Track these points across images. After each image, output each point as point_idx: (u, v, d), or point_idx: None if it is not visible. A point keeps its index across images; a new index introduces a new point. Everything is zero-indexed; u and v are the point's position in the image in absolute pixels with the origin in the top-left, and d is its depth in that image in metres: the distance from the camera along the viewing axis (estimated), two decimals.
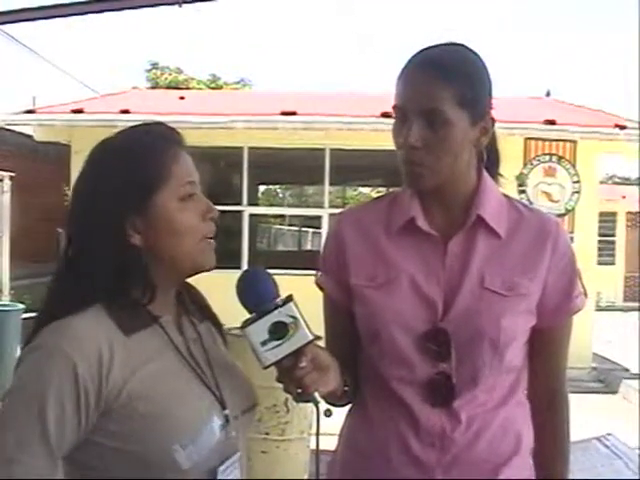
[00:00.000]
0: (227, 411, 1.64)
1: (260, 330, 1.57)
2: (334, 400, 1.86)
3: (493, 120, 1.88)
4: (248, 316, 1.60)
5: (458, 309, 1.83)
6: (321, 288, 2.04)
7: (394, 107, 1.85)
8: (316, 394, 1.62)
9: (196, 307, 1.81)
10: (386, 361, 1.88)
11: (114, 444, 1.53)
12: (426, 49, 1.86)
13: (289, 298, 1.60)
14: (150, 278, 1.62)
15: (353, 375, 1.91)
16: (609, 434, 6.83)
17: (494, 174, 1.99)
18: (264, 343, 1.56)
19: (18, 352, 8.87)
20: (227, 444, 1.63)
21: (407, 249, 1.89)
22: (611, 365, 11.83)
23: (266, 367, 1.58)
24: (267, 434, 5.34)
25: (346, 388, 1.86)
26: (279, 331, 1.56)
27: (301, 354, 1.58)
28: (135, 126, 1.72)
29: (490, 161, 1.96)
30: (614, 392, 10.66)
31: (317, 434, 1.65)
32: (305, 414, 5.49)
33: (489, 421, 1.86)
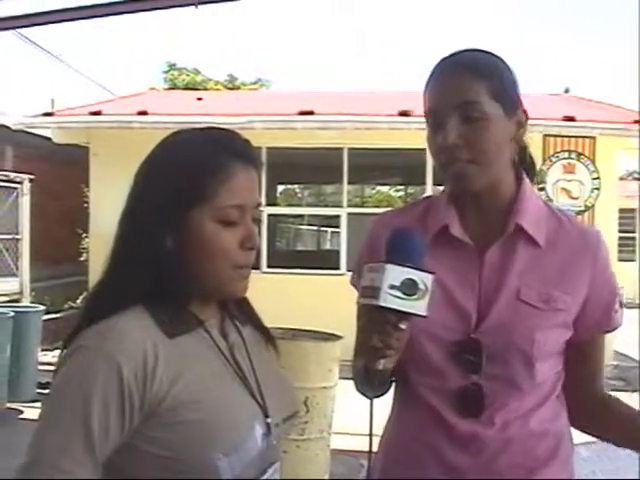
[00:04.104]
0: (269, 419, 1.61)
1: (397, 275, 1.58)
2: (376, 384, 1.82)
3: (526, 115, 1.87)
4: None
5: (492, 321, 1.81)
6: (357, 289, 2.02)
7: (427, 113, 1.84)
8: (381, 362, 1.62)
9: (239, 310, 1.77)
10: (417, 369, 1.87)
11: (154, 450, 1.48)
12: (449, 56, 1.87)
13: (433, 272, 1.61)
14: (183, 283, 1.58)
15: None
16: None
17: (530, 180, 1.96)
18: (392, 287, 1.57)
19: (38, 353, 8.93)
20: (268, 453, 1.60)
21: (442, 257, 1.85)
22: (632, 363, 11.76)
23: (379, 306, 1.58)
24: (287, 433, 5.33)
25: (392, 379, 1.86)
26: (409, 288, 1.57)
27: (407, 319, 1.60)
28: (203, 129, 1.67)
29: (525, 167, 1.94)
30: (635, 390, 10.60)
31: (370, 425, 1.65)
32: (325, 414, 5.48)
33: (523, 426, 1.83)
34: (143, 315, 1.54)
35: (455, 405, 1.82)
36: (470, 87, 1.78)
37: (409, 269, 1.58)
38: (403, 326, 1.59)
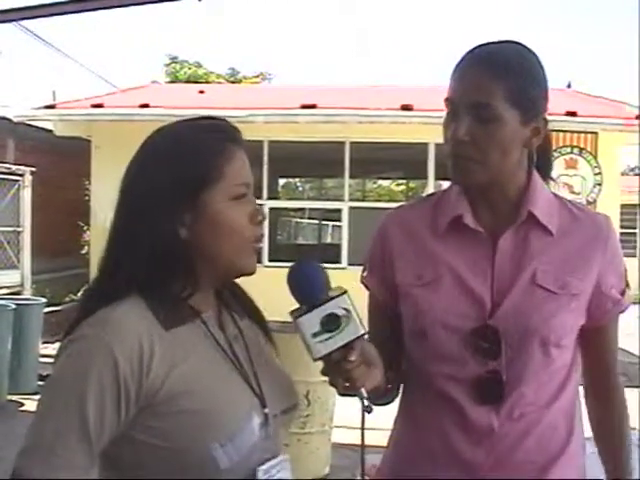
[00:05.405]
0: (267, 410, 1.62)
1: (313, 321, 1.54)
2: (377, 397, 1.82)
3: (546, 121, 1.86)
4: (296, 307, 1.59)
5: (508, 306, 1.81)
6: (367, 287, 2.02)
7: (446, 100, 1.84)
8: (363, 389, 1.61)
9: (237, 302, 1.78)
10: (433, 360, 1.87)
11: (151, 440, 1.50)
12: (480, 45, 1.86)
13: (342, 290, 1.58)
14: (194, 272, 1.60)
15: (396, 373, 1.89)
16: (633, 428, 6.78)
17: (545, 178, 1.97)
18: (316, 334, 1.54)
19: (39, 346, 8.93)
20: (267, 444, 1.60)
21: (454, 247, 1.87)
22: (634, 359, 11.73)
23: (317, 359, 1.57)
24: (287, 425, 5.33)
25: (389, 385, 1.85)
26: (332, 323, 1.54)
27: (351, 347, 1.57)
28: (195, 118, 1.70)
29: (542, 164, 1.94)
30: (637, 386, 10.57)
31: (362, 429, 1.63)
32: (326, 407, 5.48)
33: (538, 419, 1.84)
34: (140, 306, 1.54)
35: (473, 393, 1.82)
36: (486, 88, 1.77)
37: (319, 308, 1.55)
38: (352, 357, 1.57)
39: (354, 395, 1.61)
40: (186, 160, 1.59)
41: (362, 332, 1.57)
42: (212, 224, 1.59)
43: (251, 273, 1.67)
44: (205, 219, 1.58)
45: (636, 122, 11.95)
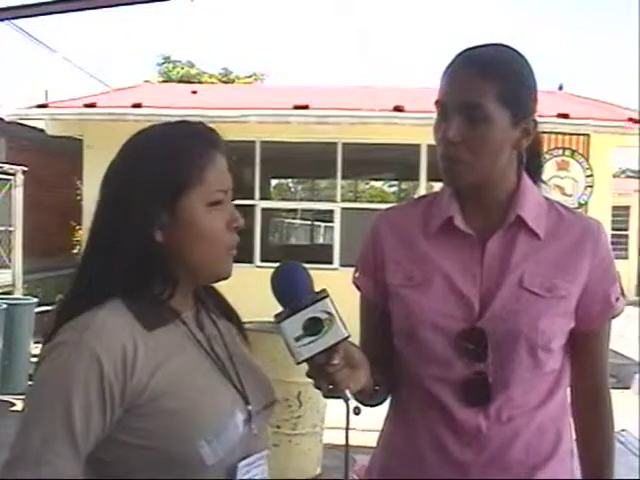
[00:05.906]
0: (250, 406, 1.63)
1: (295, 325, 1.55)
2: (364, 398, 1.85)
3: (536, 122, 1.88)
4: (280, 310, 1.59)
5: (495, 309, 1.82)
6: (358, 287, 2.03)
7: (436, 103, 1.85)
8: (347, 391, 1.62)
9: (214, 303, 1.79)
10: (422, 361, 1.88)
11: (137, 441, 1.51)
12: (470, 48, 1.87)
13: (325, 293, 1.58)
14: (171, 275, 1.61)
15: (385, 374, 1.90)
16: (623, 430, 6.78)
17: (536, 180, 1.98)
18: (298, 338, 1.55)
19: (31, 345, 8.91)
20: (250, 440, 1.62)
21: (444, 249, 1.89)
22: (624, 360, 11.74)
23: (300, 362, 1.58)
24: (279, 427, 5.35)
25: (377, 387, 1.86)
26: (314, 327, 1.55)
27: (334, 351, 1.58)
28: (175, 123, 1.70)
29: (533, 167, 1.96)
30: (627, 387, 10.59)
31: (347, 430, 1.64)
32: (317, 408, 5.50)
33: (527, 422, 1.85)
34: (121, 309, 1.55)
35: (460, 395, 1.83)
36: (477, 89, 1.78)
37: (301, 311, 1.56)
38: (335, 361, 1.58)
39: (339, 397, 1.62)
40: (166, 163, 1.60)
41: (345, 335, 1.58)
42: (188, 229, 1.60)
43: (226, 278, 1.68)
44: (182, 224, 1.59)
45: (629, 124, 11.97)
